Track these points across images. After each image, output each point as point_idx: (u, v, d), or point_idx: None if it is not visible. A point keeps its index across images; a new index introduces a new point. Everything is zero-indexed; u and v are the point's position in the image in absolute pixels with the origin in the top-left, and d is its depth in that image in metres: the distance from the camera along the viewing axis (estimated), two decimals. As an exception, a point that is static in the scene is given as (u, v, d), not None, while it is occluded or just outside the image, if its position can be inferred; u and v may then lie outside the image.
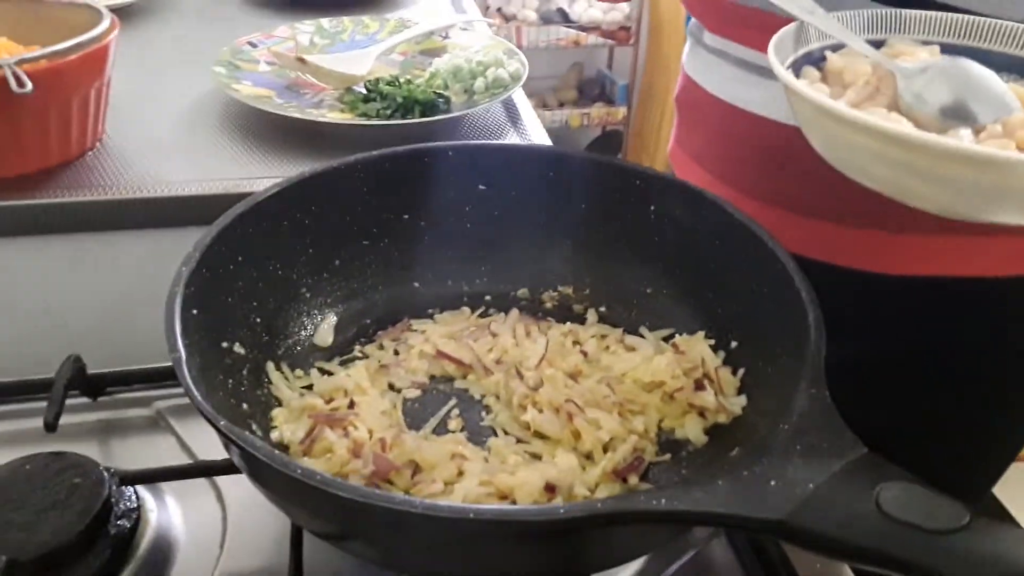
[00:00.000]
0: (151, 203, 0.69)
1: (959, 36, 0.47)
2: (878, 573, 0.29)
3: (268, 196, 0.50)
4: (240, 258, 0.49)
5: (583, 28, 2.71)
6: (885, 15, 0.48)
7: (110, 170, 0.71)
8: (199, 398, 0.36)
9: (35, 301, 0.68)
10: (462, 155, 0.58)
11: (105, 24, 0.69)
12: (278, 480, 0.34)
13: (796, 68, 0.46)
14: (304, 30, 0.95)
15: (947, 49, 0.47)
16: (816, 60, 0.47)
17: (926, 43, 0.48)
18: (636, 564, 0.45)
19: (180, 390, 0.55)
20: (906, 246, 0.61)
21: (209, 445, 0.51)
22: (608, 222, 0.57)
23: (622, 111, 2.89)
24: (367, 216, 0.56)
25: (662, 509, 0.31)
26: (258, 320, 0.50)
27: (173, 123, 0.79)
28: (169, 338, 0.39)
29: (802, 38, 0.47)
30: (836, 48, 0.47)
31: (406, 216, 0.58)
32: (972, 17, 0.47)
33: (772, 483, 0.32)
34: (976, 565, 0.27)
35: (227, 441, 0.35)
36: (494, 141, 0.79)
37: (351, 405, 0.46)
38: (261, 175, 0.71)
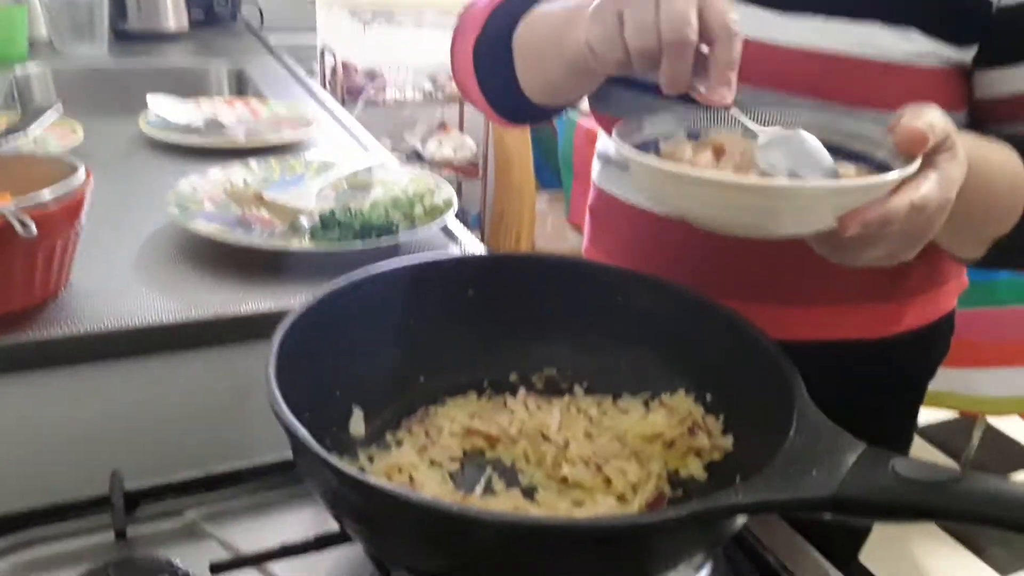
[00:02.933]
0: (133, 333, 0.72)
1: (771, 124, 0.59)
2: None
3: (310, 306, 0.56)
4: (291, 365, 0.54)
5: (436, 165, 2.89)
6: (703, 114, 0.60)
7: (86, 305, 0.73)
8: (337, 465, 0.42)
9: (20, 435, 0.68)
10: (453, 266, 0.67)
11: (82, 174, 0.73)
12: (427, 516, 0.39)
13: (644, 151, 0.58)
14: (236, 172, 1.02)
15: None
16: (653, 147, 0.59)
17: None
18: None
19: (210, 498, 0.59)
20: (791, 316, 0.75)
21: (252, 543, 0.54)
22: (582, 312, 0.67)
23: (477, 244, 3.06)
24: (379, 322, 0.63)
25: (744, 502, 0.40)
26: (306, 416, 0.55)
27: (134, 260, 0.83)
28: (285, 421, 0.44)
29: (639, 128, 0.59)
30: (666, 137, 0.59)
31: (411, 320, 0.65)
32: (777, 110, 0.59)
33: (814, 473, 0.42)
34: (976, 501, 0.38)
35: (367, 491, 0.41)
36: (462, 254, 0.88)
37: (411, 479, 0.52)
38: (234, 300, 0.76)
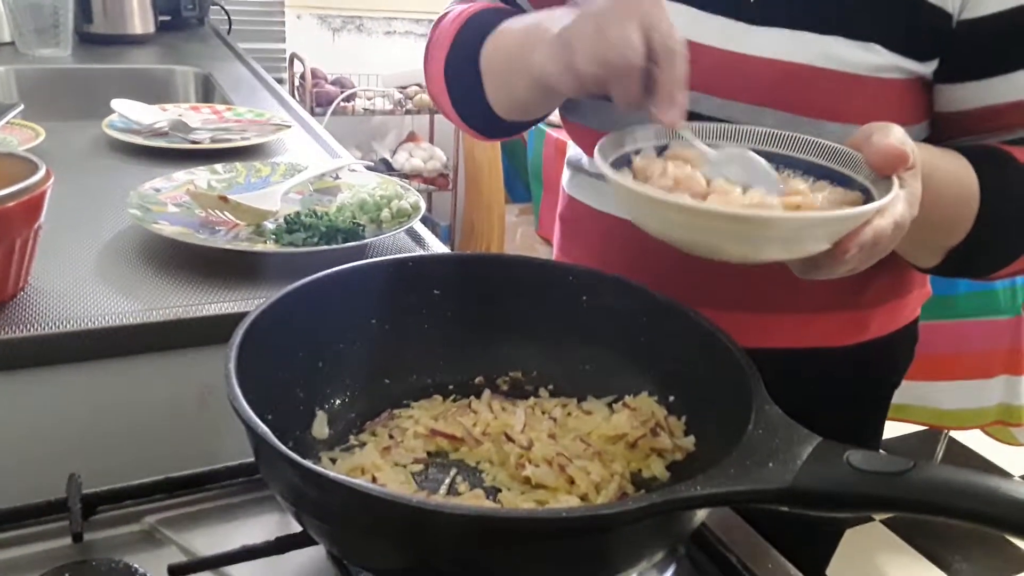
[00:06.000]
0: (93, 335, 0.71)
1: (723, 140, 0.61)
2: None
3: (269, 305, 0.56)
4: (253, 367, 0.53)
5: (406, 176, 2.89)
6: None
7: (45, 307, 0.72)
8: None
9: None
10: (418, 265, 0.67)
11: (42, 172, 0.72)
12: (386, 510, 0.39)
13: (618, 165, 0.59)
14: (201, 175, 1.01)
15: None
16: (628, 162, 0.60)
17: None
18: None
19: (170, 503, 0.59)
20: (759, 324, 0.76)
21: (212, 547, 0.53)
22: (547, 313, 0.67)
23: (444, 249, 3.06)
24: (342, 322, 0.63)
25: (701, 494, 0.40)
26: (269, 418, 0.54)
27: (95, 262, 0.82)
28: (244, 417, 0.44)
29: (620, 143, 0.60)
30: (637, 153, 0.60)
31: (373, 321, 0.65)
32: (728, 125, 0.62)
33: (770, 465, 0.42)
34: (928, 490, 0.39)
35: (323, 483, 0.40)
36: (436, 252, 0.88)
37: (373, 480, 0.52)
38: (197, 302, 0.75)
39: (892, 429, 2.25)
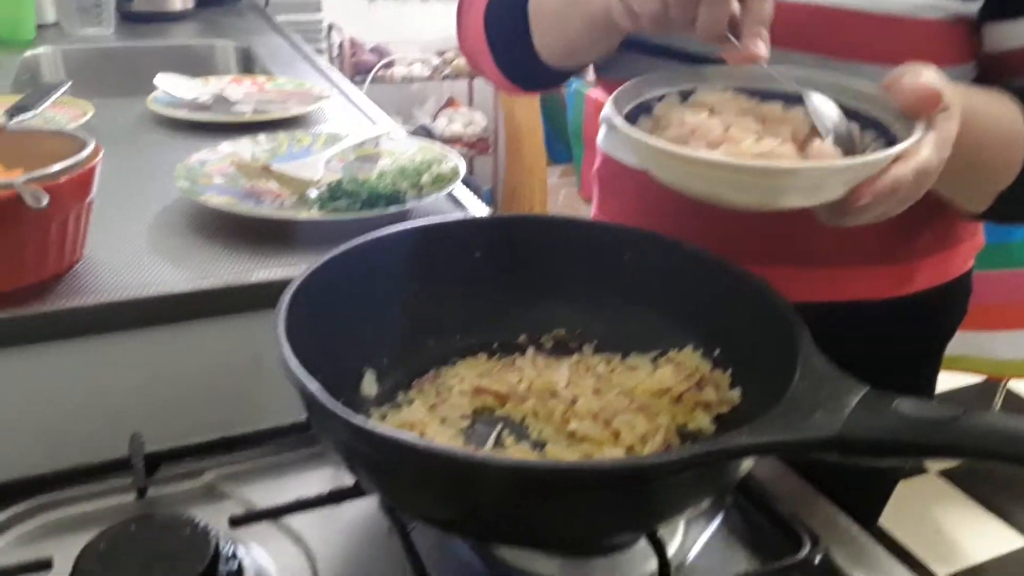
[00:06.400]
0: (148, 303, 0.73)
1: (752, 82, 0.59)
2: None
3: (315, 270, 0.57)
4: (301, 329, 0.54)
5: (446, 141, 2.89)
6: (691, 71, 0.61)
7: (101, 277, 0.74)
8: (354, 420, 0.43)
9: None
10: (459, 228, 0.67)
11: (91, 147, 0.74)
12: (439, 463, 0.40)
13: (634, 115, 0.58)
14: (244, 146, 1.03)
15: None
16: (647, 109, 0.59)
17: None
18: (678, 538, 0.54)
19: (227, 460, 0.61)
20: (799, 278, 0.75)
21: (269, 501, 0.55)
22: (589, 271, 0.67)
23: (486, 212, 3.07)
24: (386, 285, 0.64)
25: (745, 444, 0.41)
26: (319, 378, 0.56)
27: (146, 234, 0.84)
28: (296, 377, 0.45)
29: (635, 94, 0.59)
30: (661, 99, 0.60)
31: (417, 283, 0.65)
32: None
33: (817, 414, 0.42)
34: (978, 436, 0.38)
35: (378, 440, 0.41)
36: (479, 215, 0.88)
37: (421, 435, 0.53)
38: (245, 270, 0.77)
39: (948, 381, 2.21)
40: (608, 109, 0.55)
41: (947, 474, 2.11)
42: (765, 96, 0.58)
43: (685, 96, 0.60)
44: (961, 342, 1.79)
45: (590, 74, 0.80)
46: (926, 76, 0.51)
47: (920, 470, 2.11)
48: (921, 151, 0.50)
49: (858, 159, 0.50)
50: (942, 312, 0.84)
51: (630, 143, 0.54)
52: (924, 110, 0.51)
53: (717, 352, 0.61)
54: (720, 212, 0.56)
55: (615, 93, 0.57)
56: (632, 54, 0.72)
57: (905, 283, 0.77)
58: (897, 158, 0.49)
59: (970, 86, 0.60)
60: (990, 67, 0.68)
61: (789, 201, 0.51)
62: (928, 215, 0.56)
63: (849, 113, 0.57)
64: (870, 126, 0.55)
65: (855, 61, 0.63)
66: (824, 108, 0.55)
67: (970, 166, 0.55)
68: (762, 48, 0.53)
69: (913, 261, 0.76)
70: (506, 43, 0.76)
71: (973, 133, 0.55)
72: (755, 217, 0.56)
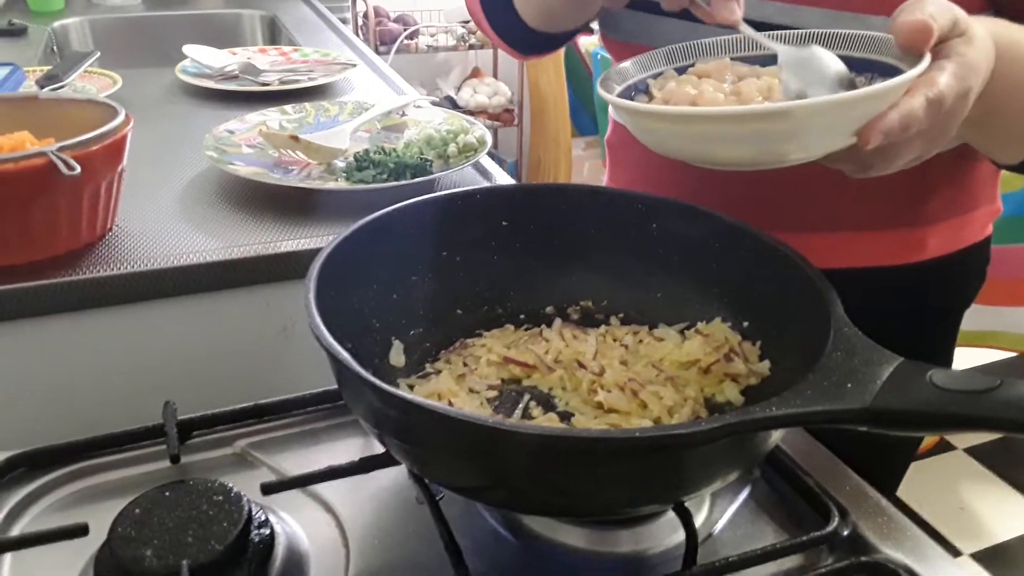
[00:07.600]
0: (180, 272, 0.73)
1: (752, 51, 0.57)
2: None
3: (343, 240, 0.57)
4: (330, 299, 0.55)
5: (471, 113, 2.88)
6: (689, 46, 0.59)
7: (132, 246, 0.75)
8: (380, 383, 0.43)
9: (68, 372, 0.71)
10: (486, 197, 0.67)
11: (122, 116, 0.74)
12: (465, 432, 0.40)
13: (627, 95, 0.57)
14: (272, 116, 1.03)
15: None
16: (642, 90, 0.58)
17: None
18: (704, 510, 0.54)
19: (259, 428, 0.61)
20: (812, 243, 0.73)
21: (299, 469, 0.56)
22: (616, 241, 0.67)
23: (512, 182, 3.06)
24: (413, 255, 0.64)
25: (775, 415, 0.40)
26: (348, 346, 0.56)
27: (177, 203, 0.84)
28: (327, 344, 0.45)
29: (622, 76, 0.58)
30: (655, 77, 0.58)
31: (444, 253, 0.65)
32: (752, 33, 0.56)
33: (848, 385, 0.42)
34: (1014, 407, 0.38)
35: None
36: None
37: (450, 404, 0.53)
38: (274, 239, 0.77)
39: (978, 357, 2.17)
40: (601, 84, 0.55)
41: (972, 451, 2.09)
42: (766, 63, 0.56)
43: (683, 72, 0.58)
44: (991, 318, 1.77)
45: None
46: (921, 9, 0.47)
47: (948, 447, 2.09)
48: (936, 82, 0.46)
49: (851, 93, 0.45)
50: (958, 279, 0.81)
51: (615, 111, 0.53)
52: (916, 45, 0.47)
53: (746, 324, 0.61)
54: (724, 179, 0.54)
55: (616, 67, 0.56)
56: (632, 12, 0.71)
57: (917, 249, 0.75)
58: (908, 92, 0.45)
59: (1004, 20, 0.56)
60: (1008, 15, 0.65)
61: (790, 151, 0.47)
62: (939, 179, 0.53)
63: (863, 65, 0.52)
64: (883, 73, 0.51)
65: (866, 11, 0.61)
66: (825, 59, 0.51)
67: (1008, 108, 0.51)
68: (735, 11, 0.52)
69: (926, 226, 0.74)
70: (495, 6, 0.76)
71: (1010, 66, 0.51)
72: (762, 183, 0.54)
